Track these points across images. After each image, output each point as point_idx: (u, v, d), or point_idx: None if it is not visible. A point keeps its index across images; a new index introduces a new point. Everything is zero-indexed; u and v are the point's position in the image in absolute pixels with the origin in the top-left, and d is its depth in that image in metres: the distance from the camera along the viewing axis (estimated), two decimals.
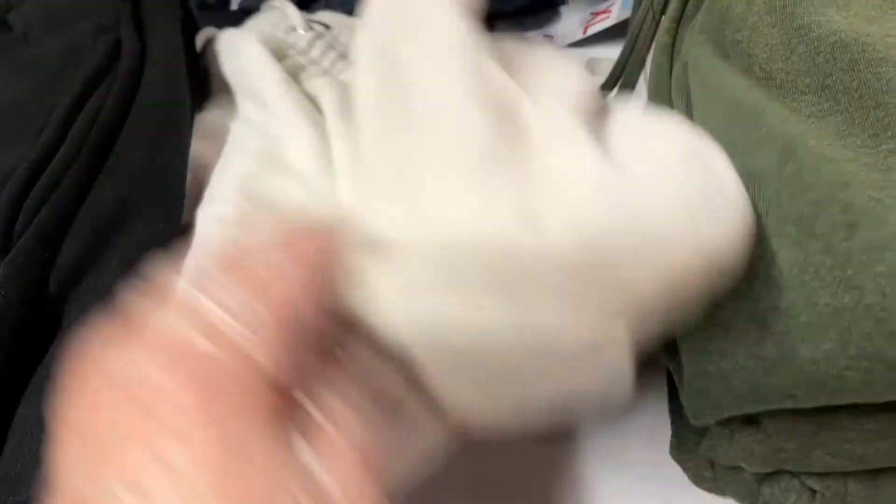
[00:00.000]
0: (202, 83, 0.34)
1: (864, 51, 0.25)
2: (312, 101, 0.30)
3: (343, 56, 0.33)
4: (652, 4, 0.32)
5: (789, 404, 0.24)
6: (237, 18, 0.50)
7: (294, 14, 0.33)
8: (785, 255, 0.23)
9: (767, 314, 0.24)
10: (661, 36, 0.31)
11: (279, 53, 0.31)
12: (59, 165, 0.25)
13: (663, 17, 0.32)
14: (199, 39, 0.35)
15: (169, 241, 0.25)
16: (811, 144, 0.24)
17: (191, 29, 0.36)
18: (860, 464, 0.24)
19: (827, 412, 0.24)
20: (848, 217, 0.22)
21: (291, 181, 0.27)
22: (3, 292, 0.22)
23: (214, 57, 0.34)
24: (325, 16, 0.35)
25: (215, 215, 0.26)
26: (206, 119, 0.32)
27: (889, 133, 0.23)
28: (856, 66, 0.24)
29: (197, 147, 0.30)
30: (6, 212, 0.23)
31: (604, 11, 0.49)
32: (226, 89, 0.34)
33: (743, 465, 0.28)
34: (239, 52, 0.31)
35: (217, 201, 0.26)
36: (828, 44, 0.25)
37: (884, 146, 0.23)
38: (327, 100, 0.29)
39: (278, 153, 0.28)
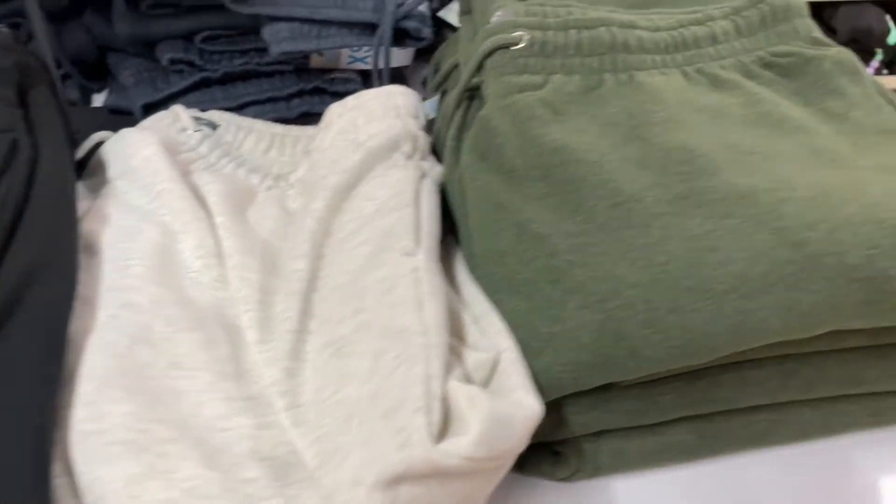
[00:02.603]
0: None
1: (570, 154, 0.37)
2: (198, 192, 0.38)
3: (227, 153, 0.42)
4: (446, 120, 0.44)
5: None
6: (101, 115, 0.57)
7: (185, 117, 0.42)
8: (521, 305, 0.35)
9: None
10: (450, 141, 0.43)
11: (173, 150, 0.40)
12: None
13: (450, 128, 0.44)
14: (90, 141, 0.42)
15: (69, 304, 0.32)
16: (533, 227, 0.36)
17: (68, 126, 0.43)
18: (585, 429, 0.35)
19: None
20: (553, 276, 0.34)
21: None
22: None
23: (102, 154, 0.41)
24: (214, 114, 0.43)
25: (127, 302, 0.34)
26: (97, 203, 0.39)
27: (581, 209, 0.35)
28: (564, 164, 0.37)
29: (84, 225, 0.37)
30: None
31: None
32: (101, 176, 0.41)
33: None
34: (138, 152, 0.39)
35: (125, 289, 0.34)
36: (549, 148, 0.38)
37: (578, 217, 0.35)
38: (213, 193, 0.38)
39: (175, 248, 0.36)
